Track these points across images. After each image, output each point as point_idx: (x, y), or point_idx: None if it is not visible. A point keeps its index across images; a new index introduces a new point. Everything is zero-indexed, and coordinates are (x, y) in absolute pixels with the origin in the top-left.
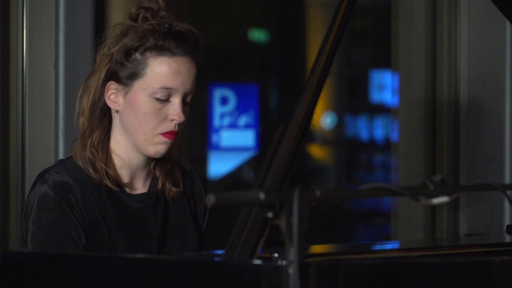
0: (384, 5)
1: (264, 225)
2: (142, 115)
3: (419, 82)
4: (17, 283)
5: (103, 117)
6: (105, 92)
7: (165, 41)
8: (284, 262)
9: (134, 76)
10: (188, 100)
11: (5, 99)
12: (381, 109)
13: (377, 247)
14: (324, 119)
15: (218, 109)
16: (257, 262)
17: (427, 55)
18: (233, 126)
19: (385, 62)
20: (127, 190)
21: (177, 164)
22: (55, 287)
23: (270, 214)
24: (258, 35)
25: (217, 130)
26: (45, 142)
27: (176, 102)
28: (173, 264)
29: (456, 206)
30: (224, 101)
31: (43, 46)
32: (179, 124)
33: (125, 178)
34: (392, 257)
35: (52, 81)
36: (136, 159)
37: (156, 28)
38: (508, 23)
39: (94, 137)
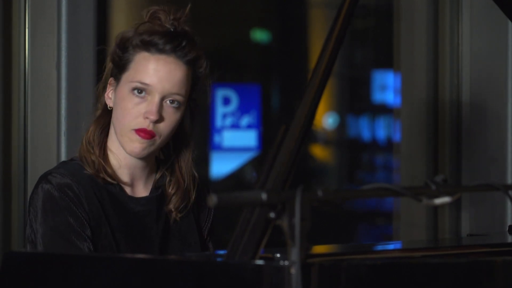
0: (386, 5)
1: (266, 226)
2: (122, 110)
3: (421, 82)
4: (19, 284)
5: (102, 114)
6: (107, 90)
7: (151, 37)
8: (286, 263)
9: (122, 69)
10: (175, 104)
11: (7, 100)
12: (383, 110)
13: (379, 247)
14: (326, 120)
15: (220, 110)
16: (259, 262)
17: (429, 55)
18: (235, 126)
19: (387, 62)
20: (129, 192)
21: (193, 177)
22: (57, 287)
23: (272, 215)
24: (260, 35)
25: (219, 131)
26: (47, 143)
27: (153, 100)
28: (174, 264)
29: (458, 206)
30: (226, 101)
31: (45, 47)
32: (159, 126)
33: (124, 178)
34: (394, 257)
35: (54, 82)
36: (131, 158)
37: (155, 27)
38: (510, 23)
39: (89, 132)
